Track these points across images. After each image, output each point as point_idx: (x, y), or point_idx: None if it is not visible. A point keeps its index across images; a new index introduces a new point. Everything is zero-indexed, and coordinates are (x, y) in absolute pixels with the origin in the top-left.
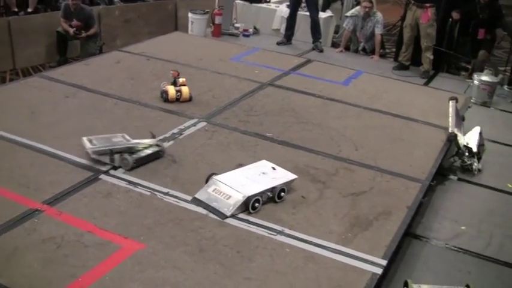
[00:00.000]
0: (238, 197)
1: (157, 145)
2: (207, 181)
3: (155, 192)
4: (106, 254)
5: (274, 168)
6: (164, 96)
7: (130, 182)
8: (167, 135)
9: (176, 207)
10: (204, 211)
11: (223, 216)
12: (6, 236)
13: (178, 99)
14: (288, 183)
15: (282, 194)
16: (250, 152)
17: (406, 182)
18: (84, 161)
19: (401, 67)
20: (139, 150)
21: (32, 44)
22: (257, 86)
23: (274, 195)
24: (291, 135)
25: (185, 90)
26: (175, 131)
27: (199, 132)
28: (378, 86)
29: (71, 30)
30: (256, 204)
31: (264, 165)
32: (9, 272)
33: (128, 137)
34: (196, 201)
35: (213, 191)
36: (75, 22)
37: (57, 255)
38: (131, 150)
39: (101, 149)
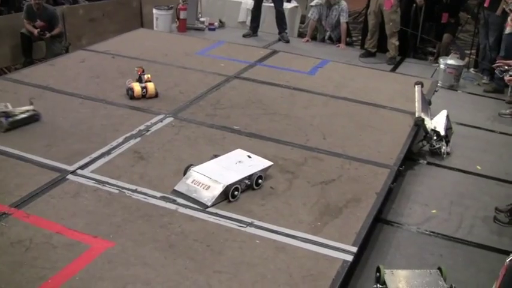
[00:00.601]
0: (217, 187)
1: (33, 110)
2: (185, 173)
3: (123, 190)
4: (75, 254)
5: (249, 157)
6: (130, 94)
7: (98, 181)
8: (134, 132)
9: (145, 203)
10: (173, 206)
11: (204, 206)
12: None
13: (144, 96)
14: (265, 170)
15: (260, 181)
16: (218, 146)
17: (374, 168)
18: (51, 162)
19: (368, 54)
20: (15, 115)
21: None
22: (223, 79)
23: (252, 183)
24: (258, 127)
25: (151, 86)
26: (141, 127)
27: (166, 128)
28: (344, 74)
29: (35, 31)
30: (236, 193)
31: (240, 154)
32: None
33: (9, 106)
34: (176, 193)
35: (192, 182)
36: (38, 22)
37: (26, 258)
38: (8, 115)
39: None
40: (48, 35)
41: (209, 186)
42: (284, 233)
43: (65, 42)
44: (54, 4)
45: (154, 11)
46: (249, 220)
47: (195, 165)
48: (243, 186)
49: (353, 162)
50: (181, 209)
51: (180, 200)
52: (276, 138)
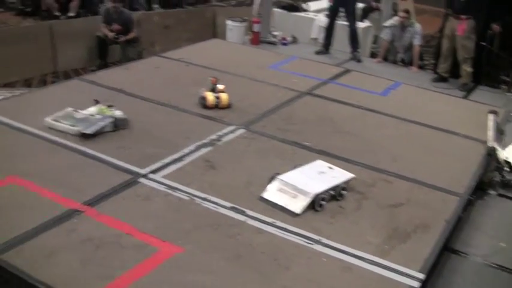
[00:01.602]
0: (306, 196)
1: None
2: (270, 181)
3: (193, 197)
4: (143, 256)
5: (331, 168)
6: (202, 102)
7: (169, 186)
8: (205, 141)
9: (214, 212)
10: (242, 217)
11: (294, 214)
12: (45, 235)
13: (217, 106)
14: (347, 182)
15: (343, 192)
16: (288, 160)
17: (444, 195)
18: (123, 164)
19: (440, 79)
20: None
21: (73, 47)
22: (295, 95)
23: (336, 194)
24: (328, 145)
25: (224, 97)
26: (213, 137)
27: (238, 139)
28: (416, 98)
29: (111, 35)
30: (322, 202)
31: (321, 164)
32: (49, 271)
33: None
34: (264, 201)
35: (279, 190)
36: (115, 26)
37: (95, 256)
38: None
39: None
40: (123, 38)
41: (296, 195)
42: (351, 253)
43: (139, 47)
44: (130, 9)
45: (228, 22)
46: (316, 237)
47: (281, 174)
48: (328, 197)
49: (422, 187)
50: (250, 221)
51: (249, 212)
52: (346, 157)
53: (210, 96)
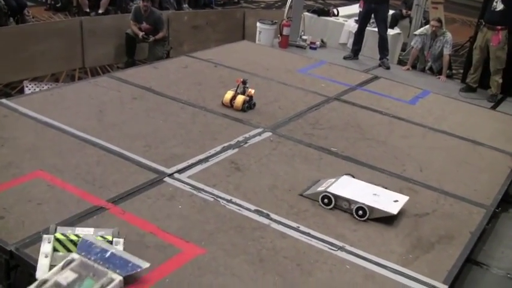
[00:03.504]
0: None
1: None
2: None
3: (218, 199)
4: (167, 256)
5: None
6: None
7: (194, 187)
8: (232, 142)
9: (238, 215)
10: (266, 221)
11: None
12: None
13: (232, 106)
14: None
15: (360, 212)
16: (314, 166)
17: (470, 206)
18: (149, 163)
19: (469, 89)
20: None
21: (102, 44)
22: (323, 100)
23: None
24: (355, 151)
25: (239, 99)
26: (240, 139)
27: (264, 142)
28: (444, 107)
29: (140, 34)
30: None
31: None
32: None
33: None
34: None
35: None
36: (144, 25)
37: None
38: None
39: None
40: (152, 38)
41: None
42: (374, 261)
43: (167, 46)
44: (159, 8)
45: (258, 24)
46: (340, 244)
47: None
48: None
49: (448, 198)
50: (274, 225)
51: (273, 216)
52: (372, 164)
53: (228, 95)
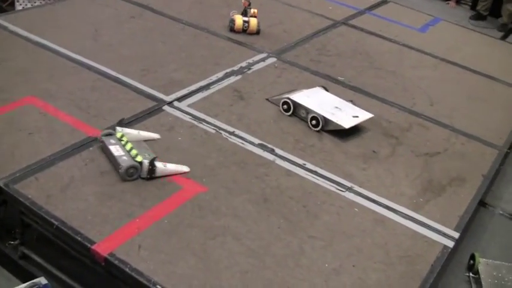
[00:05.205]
0: None
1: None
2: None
3: (220, 131)
4: (166, 194)
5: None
6: (231, 25)
7: (194, 117)
8: (235, 68)
9: (241, 149)
10: (271, 156)
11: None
12: (62, 164)
13: (245, 31)
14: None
15: (314, 122)
16: None
17: (482, 146)
18: (147, 89)
19: (479, 17)
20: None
21: None
22: (330, 24)
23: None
24: (363, 81)
25: (253, 22)
26: (243, 64)
27: (269, 69)
28: (456, 37)
29: None
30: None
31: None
32: (64, 205)
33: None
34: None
35: None
36: None
37: (115, 191)
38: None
39: None
40: None
41: None
42: (384, 204)
43: None
44: None
45: None
46: (348, 184)
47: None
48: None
49: (460, 136)
50: (279, 161)
51: (278, 151)
52: (381, 96)
53: (239, 20)
